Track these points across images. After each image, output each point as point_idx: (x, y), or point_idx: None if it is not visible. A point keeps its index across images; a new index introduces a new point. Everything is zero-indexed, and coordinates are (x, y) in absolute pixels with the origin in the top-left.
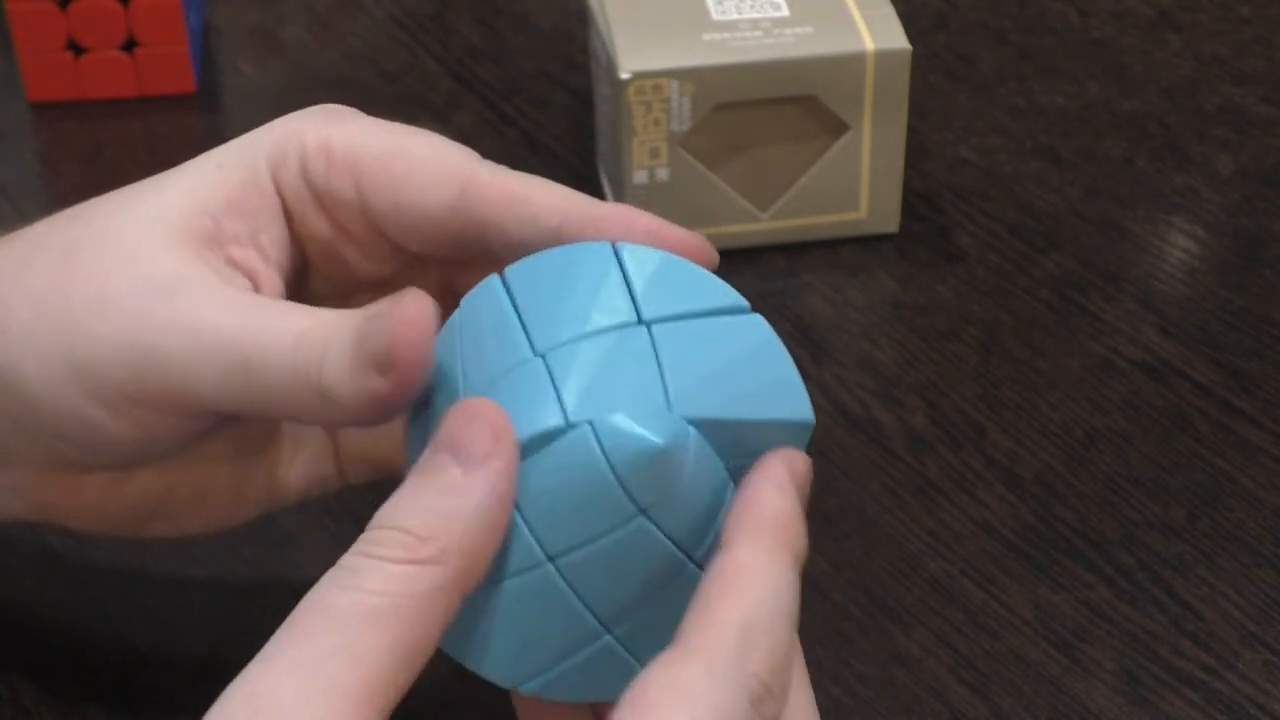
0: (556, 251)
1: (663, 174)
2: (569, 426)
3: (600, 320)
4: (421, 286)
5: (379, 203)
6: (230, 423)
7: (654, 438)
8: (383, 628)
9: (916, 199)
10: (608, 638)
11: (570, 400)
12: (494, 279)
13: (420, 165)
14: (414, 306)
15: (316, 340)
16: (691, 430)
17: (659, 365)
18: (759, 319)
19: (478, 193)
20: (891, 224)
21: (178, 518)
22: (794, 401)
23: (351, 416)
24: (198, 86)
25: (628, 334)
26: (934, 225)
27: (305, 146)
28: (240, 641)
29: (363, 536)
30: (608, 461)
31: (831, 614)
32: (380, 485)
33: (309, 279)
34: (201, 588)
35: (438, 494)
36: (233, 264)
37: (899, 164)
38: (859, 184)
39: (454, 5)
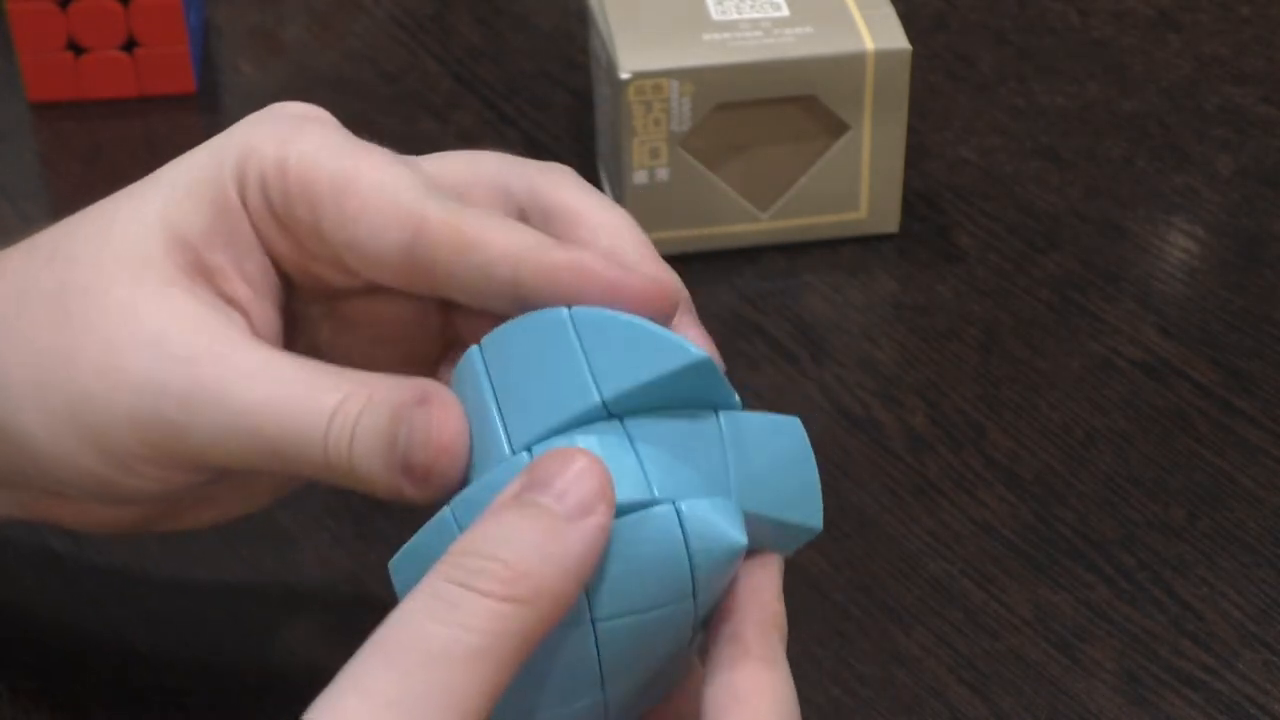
0: (516, 325)
1: (663, 174)
2: (654, 502)
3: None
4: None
5: (334, 236)
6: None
7: (737, 535)
8: (481, 669)
9: (916, 199)
10: (600, 695)
11: (654, 476)
12: (474, 352)
13: (371, 204)
14: (451, 430)
15: (345, 423)
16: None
17: (724, 455)
18: (796, 423)
19: (428, 238)
20: (891, 224)
21: (187, 517)
22: (811, 508)
23: (382, 497)
24: (198, 86)
25: (697, 418)
26: (934, 225)
27: (264, 167)
28: (240, 641)
29: (455, 561)
30: (686, 546)
31: (831, 614)
32: None
33: (294, 290)
34: (201, 588)
35: (539, 533)
36: (223, 297)
37: (899, 164)
38: (859, 184)
39: (454, 5)
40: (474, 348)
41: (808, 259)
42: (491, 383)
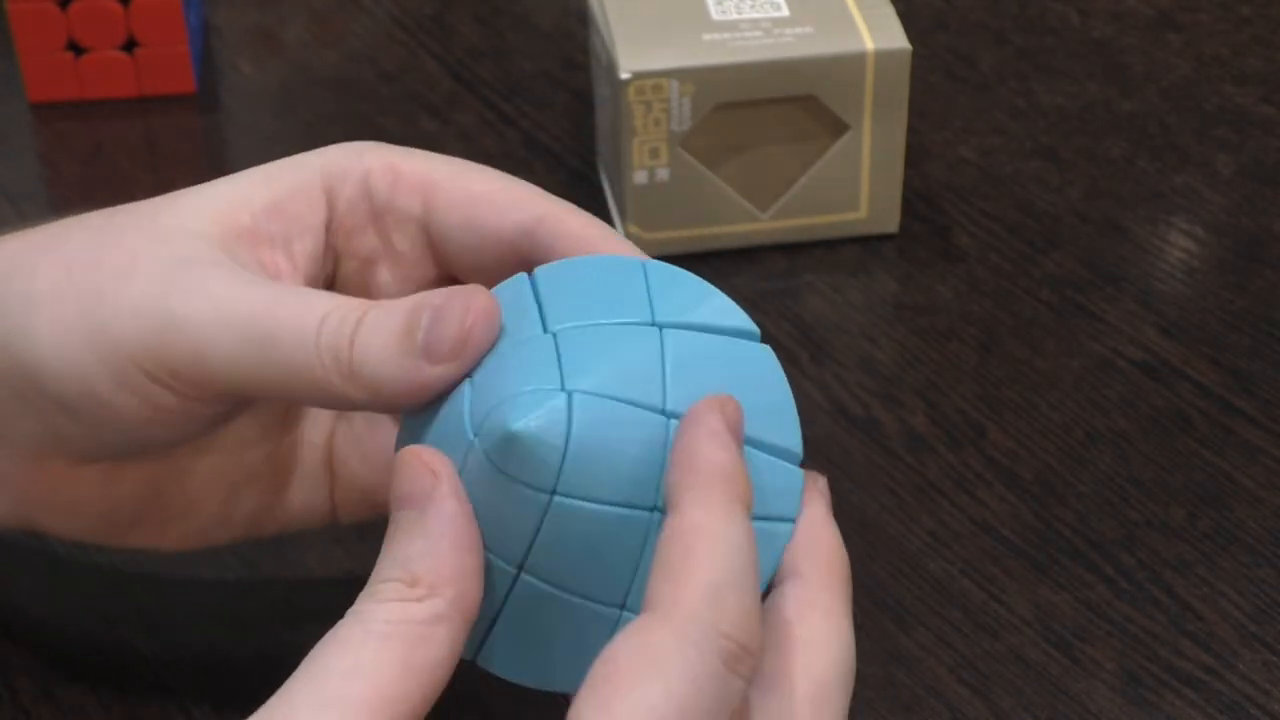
0: (585, 259)
1: (663, 174)
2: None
3: (616, 315)
4: None
5: (448, 219)
6: (235, 412)
7: (513, 423)
8: (389, 646)
9: (916, 199)
10: (624, 614)
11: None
12: (521, 276)
13: (495, 190)
14: (484, 298)
15: (345, 320)
16: (579, 405)
17: (662, 362)
18: (768, 351)
19: (551, 227)
20: (891, 224)
21: (161, 526)
22: (786, 430)
23: (384, 400)
24: (198, 86)
25: (641, 330)
26: (934, 225)
27: (370, 166)
28: (240, 641)
29: (362, 594)
30: (486, 458)
31: None
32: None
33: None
34: (201, 588)
35: (408, 540)
36: (261, 262)
37: (899, 164)
38: (859, 184)
39: (454, 5)
40: (521, 274)
41: (808, 259)
42: (537, 293)
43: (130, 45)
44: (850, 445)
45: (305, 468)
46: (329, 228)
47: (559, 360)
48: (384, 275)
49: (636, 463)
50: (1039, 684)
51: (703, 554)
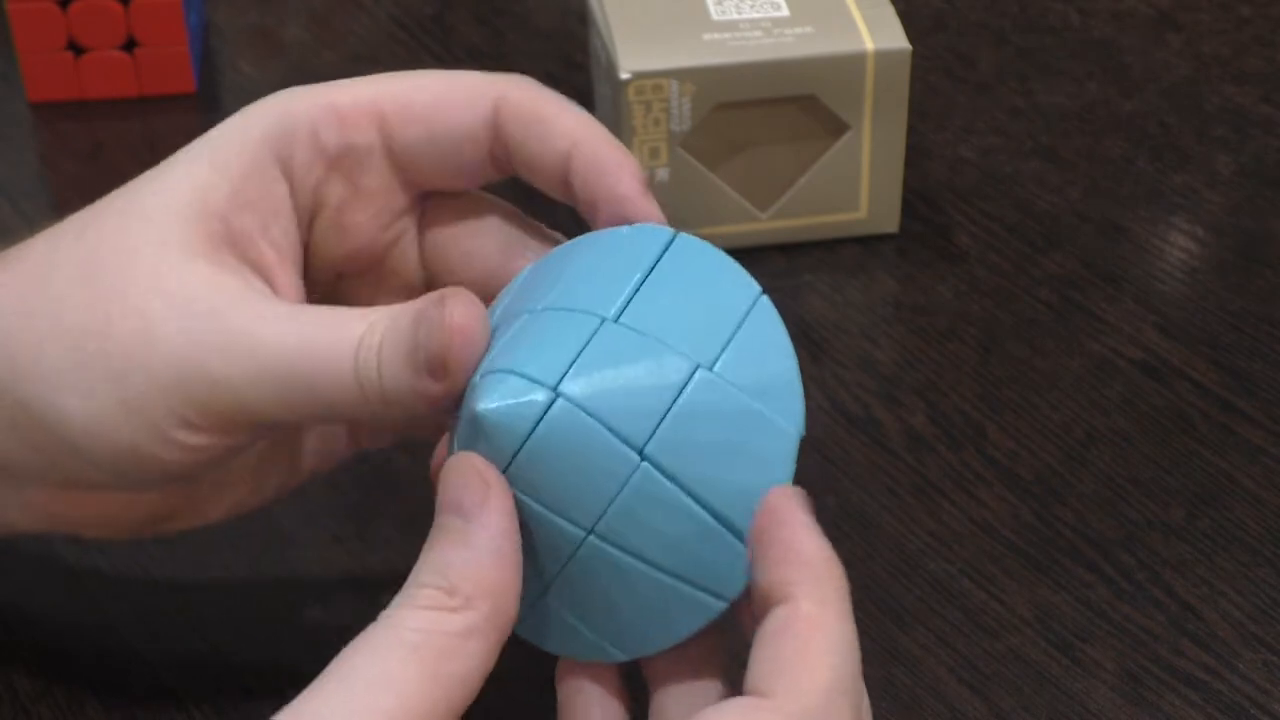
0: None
1: (663, 174)
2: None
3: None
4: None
5: (407, 138)
6: (274, 433)
7: (480, 404)
8: (418, 658)
9: (916, 199)
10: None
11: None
12: (665, 231)
13: (446, 92)
14: (463, 313)
15: (371, 348)
16: (559, 410)
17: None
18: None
19: (510, 109)
20: (891, 224)
21: (193, 515)
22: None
23: (412, 418)
24: (198, 86)
25: (679, 361)
26: (934, 225)
27: (311, 114)
28: (240, 641)
29: (397, 597)
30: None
31: None
32: (383, 485)
33: (307, 261)
34: (201, 588)
35: (451, 548)
36: (248, 263)
37: (899, 164)
38: (859, 184)
39: (454, 5)
40: (665, 229)
41: (808, 259)
42: (652, 268)
43: (130, 45)
44: (850, 445)
45: (322, 426)
46: (293, 194)
47: (583, 350)
48: (358, 215)
49: (590, 487)
50: (1039, 684)
51: (820, 650)
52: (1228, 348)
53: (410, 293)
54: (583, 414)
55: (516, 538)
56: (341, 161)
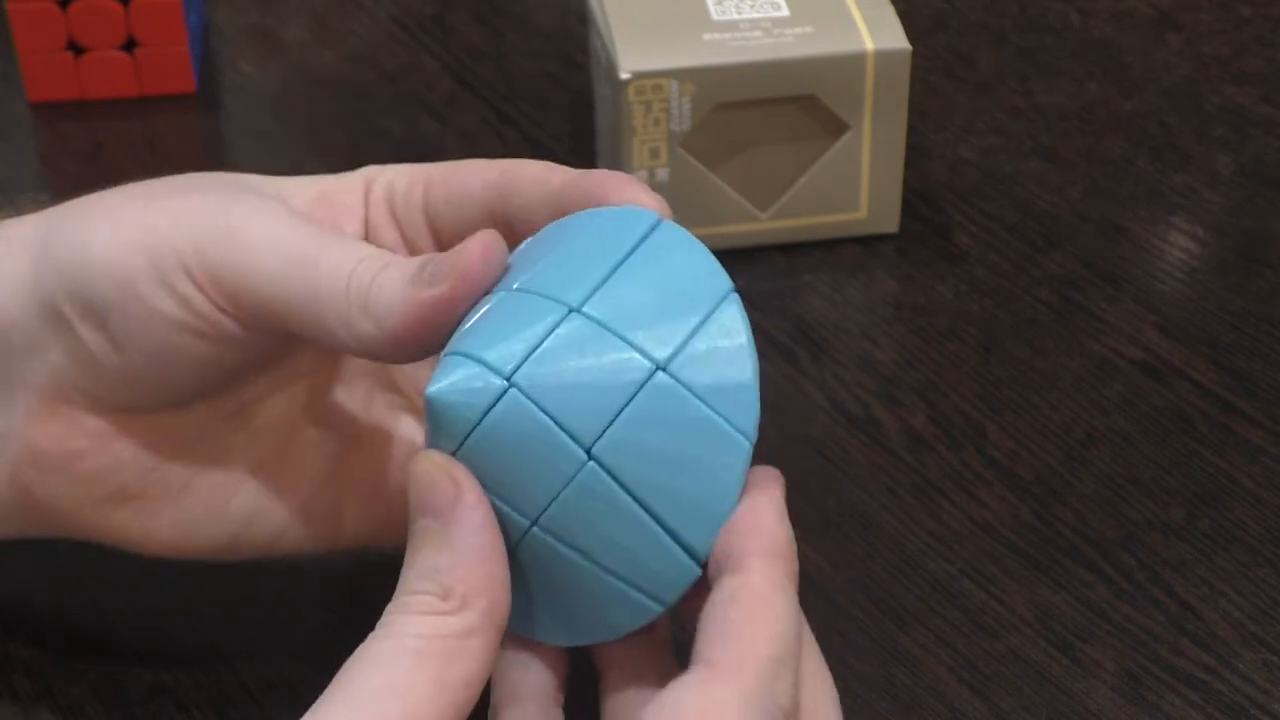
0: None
1: (663, 174)
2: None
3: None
4: None
5: (435, 197)
6: (251, 372)
7: (434, 385)
8: (423, 664)
9: (916, 199)
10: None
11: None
12: (651, 215)
13: (475, 164)
14: (489, 232)
15: (375, 262)
16: (509, 400)
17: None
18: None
19: (514, 172)
20: (891, 224)
21: (152, 505)
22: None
23: (385, 331)
24: (198, 86)
25: (637, 363)
26: (934, 225)
27: (395, 173)
28: (240, 641)
29: (391, 605)
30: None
31: (831, 614)
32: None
33: None
34: (201, 587)
35: (435, 552)
36: None
37: (899, 164)
38: (859, 184)
39: (454, 5)
40: (652, 213)
41: (808, 259)
42: (537, 242)
43: (130, 45)
44: (850, 445)
45: (309, 477)
46: (365, 222)
47: (544, 340)
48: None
49: (535, 479)
50: (1039, 684)
51: (766, 625)
52: (1228, 348)
53: None
54: (533, 407)
55: (496, 529)
56: (399, 214)
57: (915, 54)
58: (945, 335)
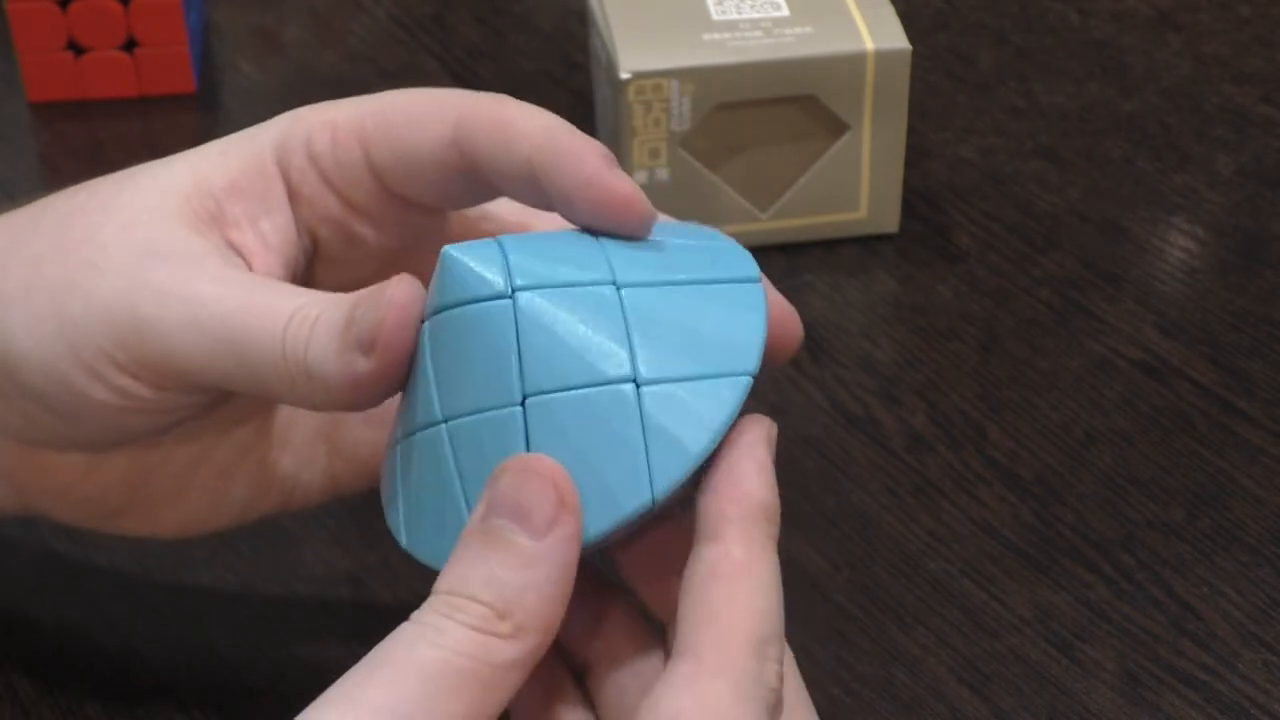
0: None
1: (663, 174)
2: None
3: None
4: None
5: (380, 155)
6: (210, 407)
7: (459, 250)
8: (465, 690)
9: (916, 199)
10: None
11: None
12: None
13: (413, 109)
14: (402, 290)
15: (305, 319)
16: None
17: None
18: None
19: (470, 122)
20: (891, 224)
21: (153, 512)
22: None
23: (336, 399)
24: (198, 86)
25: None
26: (934, 225)
27: (310, 128)
28: (240, 641)
29: (440, 599)
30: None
31: (831, 614)
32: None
33: (317, 271)
34: (201, 588)
35: (508, 566)
36: (231, 246)
37: (899, 164)
38: (859, 184)
39: (454, 5)
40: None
41: (808, 259)
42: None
43: (130, 45)
44: (850, 445)
45: (299, 442)
46: (292, 200)
47: (573, 285)
48: (363, 230)
49: (470, 383)
50: (1039, 684)
51: (748, 602)
52: (1228, 348)
53: None
54: (512, 328)
55: (575, 572)
56: (333, 176)
57: (915, 54)
58: (945, 335)
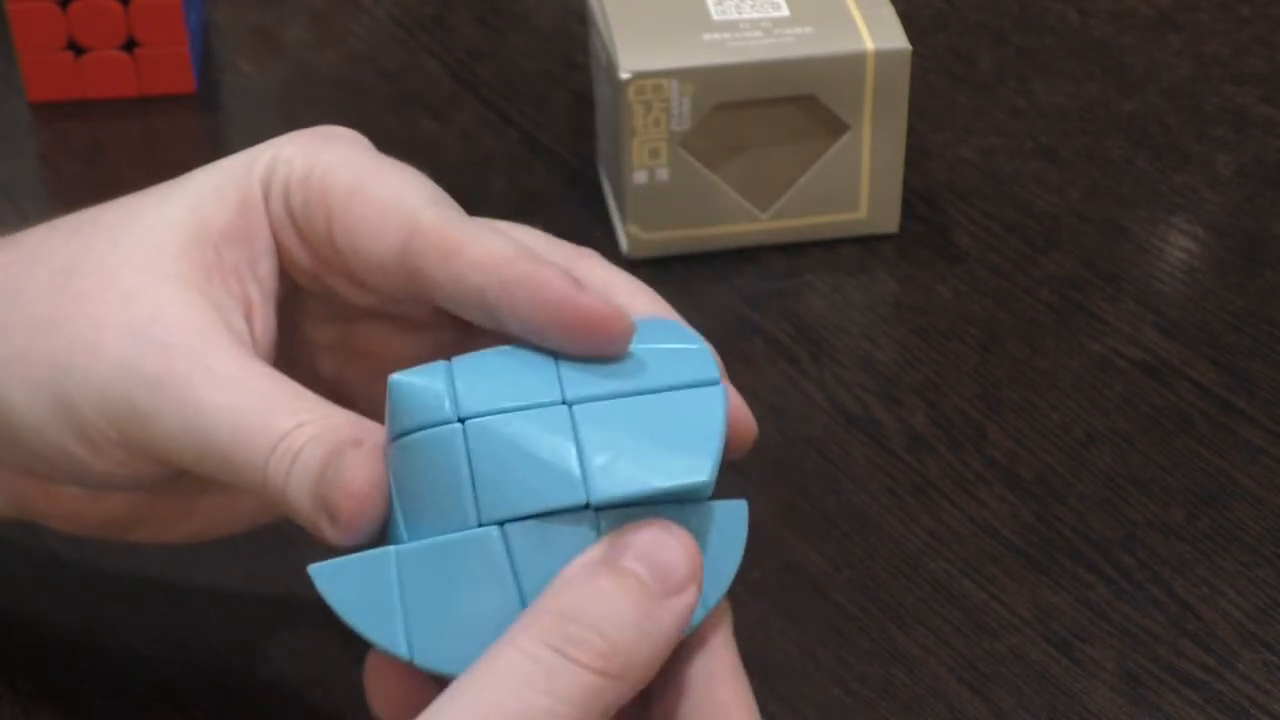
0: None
1: (663, 174)
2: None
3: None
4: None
5: (343, 244)
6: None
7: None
8: None
9: (916, 199)
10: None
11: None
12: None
13: (375, 209)
14: (361, 478)
15: (287, 453)
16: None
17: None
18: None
19: (420, 242)
20: (891, 224)
21: (163, 526)
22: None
23: (315, 534)
24: (198, 86)
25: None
26: (934, 225)
27: (291, 175)
28: (240, 641)
29: (553, 625)
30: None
31: (831, 614)
32: None
33: (304, 303)
34: (201, 588)
35: (636, 609)
36: (233, 298)
37: (899, 164)
38: (859, 184)
39: (454, 5)
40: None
41: (808, 259)
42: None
43: (130, 45)
44: (850, 445)
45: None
46: (274, 234)
47: (522, 409)
48: (337, 285)
49: (429, 507)
50: (1039, 684)
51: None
52: (1228, 348)
53: (427, 334)
54: (463, 454)
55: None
56: (308, 234)
57: (915, 54)
58: (945, 335)
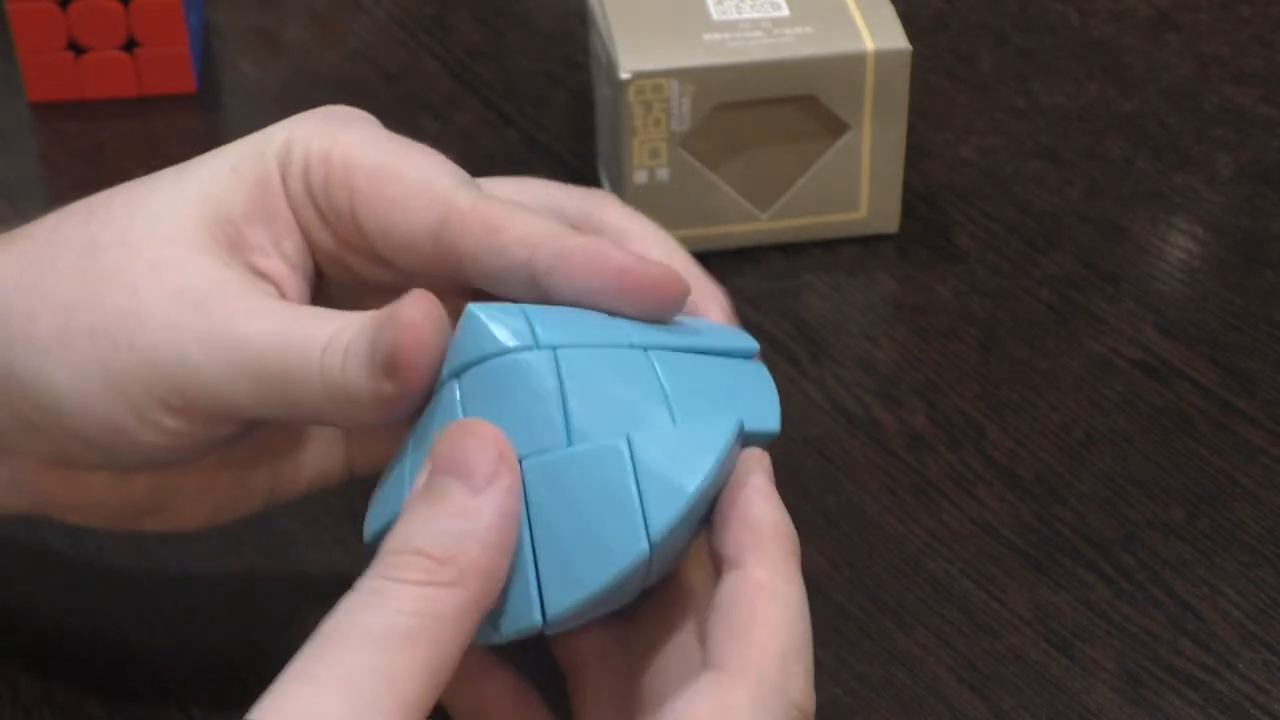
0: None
1: (663, 174)
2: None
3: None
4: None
5: (369, 222)
6: (256, 428)
7: (484, 310)
8: (415, 649)
9: (916, 199)
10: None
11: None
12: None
13: (407, 189)
14: (416, 310)
15: (338, 348)
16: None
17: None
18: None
19: (456, 222)
20: (891, 224)
21: (180, 511)
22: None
23: (370, 418)
24: (198, 86)
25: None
26: (934, 225)
27: (309, 155)
28: (240, 641)
29: (380, 560)
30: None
31: (831, 614)
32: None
33: (324, 283)
34: (202, 588)
35: (449, 517)
36: (258, 272)
37: (899, 164)
38: (859, 184)
39: (454, 5)
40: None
41: (808, 259)
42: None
43: (130, 45)
44: (850, 445)
45: (317, 430)
46: (295, 215)
47: (595, 346)
48: (355, 263)
49: (526, 413)
50: (1039, 684)
51: (773, 618)
52: (1228, 348)
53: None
54: (546, 380)
55: (518, 524)
56: (328, 213)
57: (915, 54)
58: (945, 335)
